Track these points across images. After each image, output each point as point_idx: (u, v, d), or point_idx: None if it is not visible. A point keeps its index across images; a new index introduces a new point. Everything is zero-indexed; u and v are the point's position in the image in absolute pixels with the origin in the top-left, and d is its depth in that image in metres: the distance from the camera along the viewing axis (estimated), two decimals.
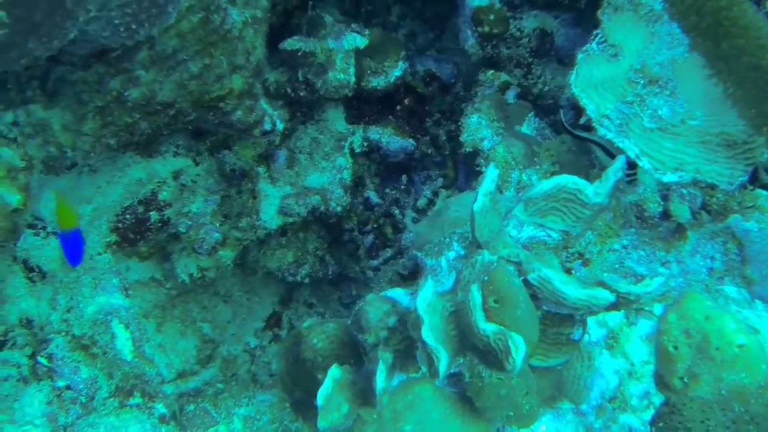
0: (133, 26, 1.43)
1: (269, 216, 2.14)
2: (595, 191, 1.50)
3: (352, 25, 2.13)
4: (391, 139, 2.28)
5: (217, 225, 2.05)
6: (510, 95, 2.15)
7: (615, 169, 1.52)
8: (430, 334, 1.37)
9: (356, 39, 2.09)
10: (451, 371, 1.48)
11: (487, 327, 1.36)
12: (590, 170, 1.95)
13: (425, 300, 1.38)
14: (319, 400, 1.47)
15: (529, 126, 2.12)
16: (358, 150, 2.27)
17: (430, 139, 2.34)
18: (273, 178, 2.16)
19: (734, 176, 1.77)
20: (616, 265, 1.87)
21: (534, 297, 1.46)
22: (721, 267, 1.87)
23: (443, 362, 1.40)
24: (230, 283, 2.37)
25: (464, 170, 2.30)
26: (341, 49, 2.07)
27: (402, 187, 2.38)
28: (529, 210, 1.53)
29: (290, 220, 2.16)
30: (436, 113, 2.36)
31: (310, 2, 2.12)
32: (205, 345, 2.28)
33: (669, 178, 1.76)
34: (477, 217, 1.44)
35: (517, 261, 1.47)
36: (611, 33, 1.84)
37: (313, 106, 2.23)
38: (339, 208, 2.22)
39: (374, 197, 2.35)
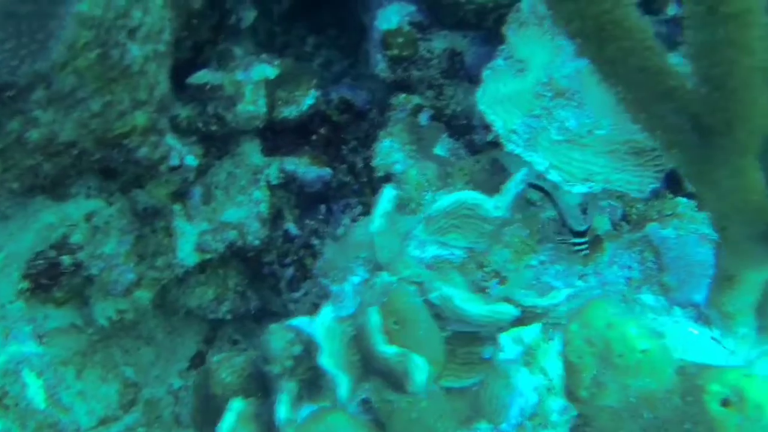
0: (13, 63, 1.40)
1: (186, 253, 2.10)
2: (495, 205, 1.48)
3: (262, 56, 2.11)
4: (307, 169, 2.26)
5: (132, 266, 2.01)
6: (423, 118, 2.13)
7: (516, 182, 1.50)
8: (329, 360, 1.34)
9: (266, 69, 2.07)
10: (361, 397, 1.44)
11: (387, 350, 1.34)
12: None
13: (323, 325, 1.35)
14: None
15: (442, 147, 2.10)
16: (274, 182, 2.24)
17: (348, 167, 2.31)
18: (189, 215, 2.12)
19: (644, 184, 1.76)
20: (533, 282, 1.85)
21: (438, 317, 1.44)
22: (639, 276, 1.85)
23: (343, 388, 1.36)
24: (153, 325, 2.32)
25: None
26: (250, 80, 2.04)
27: (320, 217, 2.35)
28: (430, 228, 1.51)
29: (208, 256, 2.12)
30: (352, 141, 2.33)
31: (221, 36, 2.10)
32: (128, 389, 2.22)
33: (579, 189, 1.75)
34: (376, 238, 1.42)
35: (419, 281, 1.44)
36: (517, 48, 1.84)
37: (228, 140, 2.20)
38: (257, 242, 2.18)
39: (293, 229, 2.31)
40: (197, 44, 2.09)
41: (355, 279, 1.60)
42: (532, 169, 1.72)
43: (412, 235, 1.50)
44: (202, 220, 2.13)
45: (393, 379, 1.38)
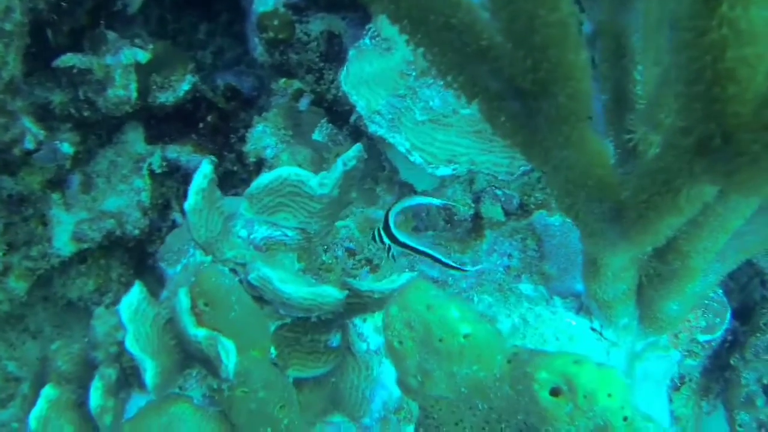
0: None
1: (62, 243, 2.04)
2: (320, 182, 1.41)
3: (135, 40, 2.05)
4: (190, 157, 2.20)
5: (0, 254, 1.95)
6: (303, 103, 2.07)
7: (346, 158, 1.43)
8: (134, 343, 1.28)
9: (136, 54, 2.01)
10: (184, 385, 1.37)
11: (197, 332, 1.27)
12: (380, 173, 1.87)
13: (130, 307, 1.29)
14: (32, 423, 1.36)
15: (320, 132, 2.03)
16: (158, 170, 2.18)
17: (236, 156, 2.25)
18: (68, 204, 2.06)
19: (514, 166, 1.69)
20: (407, 270, 1.78)
21: (262, 300, 1.37)
22: (519, 265, 1.78)
23: (150, 373, 1.29)
24: (40, 319, 2.26)
25: None
26: (119, 64, 1.99)
27: None
28: (255, 207, 1.44)
29: (85, 245, 2.06)
30: (241, 129, 2.27)
31: (101, 21, 2.05)
32: (8, 383, 2.16)
33: (442, 171, 1.68)
34: (190, 216, 1.35)
35: (243, 262, 1.37)
36: (384, 26, 1.77)
37: (111, 128, 2.14)
38: (136, 231, 2.12)
39: (180, 219, 2.26)
40: (75, 30, 2.03)
41: (185, 260, 1.53)
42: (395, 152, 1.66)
43: (239, 214, 1.44)
44: (81, 209, 2.07)
45: (210, 364, 1.31)
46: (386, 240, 1.63)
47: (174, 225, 2.25)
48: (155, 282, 2.25)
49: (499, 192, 1.83)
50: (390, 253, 1.71)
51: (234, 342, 1.25)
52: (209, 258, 1.34)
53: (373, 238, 1.70)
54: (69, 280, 2.17)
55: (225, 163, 2.25)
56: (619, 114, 1.43)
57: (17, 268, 1.99)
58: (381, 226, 1.71)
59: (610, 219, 1.28)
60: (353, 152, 1.44)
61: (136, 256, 2.27)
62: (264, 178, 1.42)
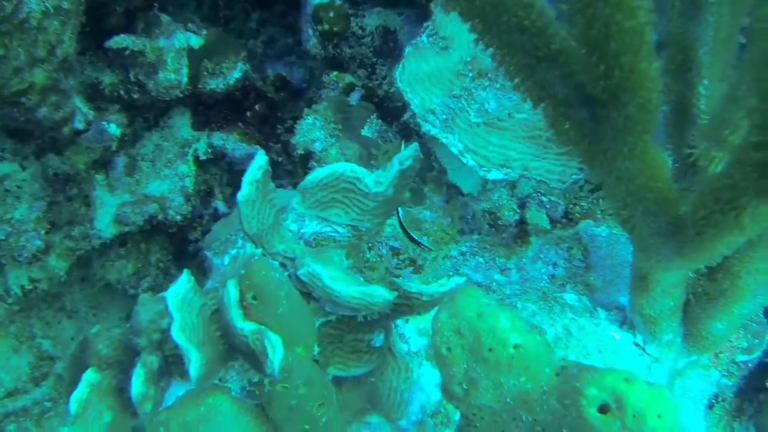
0: None
1: (104, 225, 2.04)
2: (375, 180, 1.39)
3: (189, 25, 2.04)
4: (236, 146, 2.19)
5: (42, 232, 1.95)
6: (354, 97, 2.06)
7: (403, 157, 1.41)
8: (181, 333, 1.26)
9: (189, 38, 2.00)
10: (225, 377, 1.36)
11: (245, 326, 1.25)
12: (428, 173, 1.85)
13: (177, 295, 1.27)
14: (72, 406, 1.35)
15: (370, 128, 2.02)
16: (203, 157, 2.17)
17: (282, 146, 2.24)
18: (111, 186, 2.06)
19: (566, 174, 1.67)
20: (451, 273, 1.76)
21: (311, 297, 1.35)
22: (564, 274, 1.76)
23: (195, 364, 1.28)
24: (76, 299, 2.26)
25: None
26: (172, 48, 1.98)
27: None
28: (307, 201, 1.42)
29: (126, 229, 2.06)
30: (288, 119, 2.26)
31: (155, 3, 2.04)
32: (42, 362, 2.17)
33: (494, 175, 1.66)
34: (243, 207, 1.33)
35: (292, 257, 1.36)
36: (443, 25, 1.75)
37: (159, 111, 2.14)
38: (179, 217, 2.12)
39: (222, 207, 2.25)
40: (129, 12, 2.03)
41: (234, 251, 1.52)
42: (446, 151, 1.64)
43: (290, 208, 1.42)
44: (124, 191, 2.07)
45: (254, 358, 1.29)
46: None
47: (216, 213, 2.24)
48: (195, 269, 2.25)
49: (544, 199, 1.80)
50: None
51: (281, 337, 1.24)
52: (260, 251, 1.33)
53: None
54: (108, 262, 2.17)
55: (270, 154, 2.23)
56: (680, 127, 1.40)
57: (58, 248, 1.99)
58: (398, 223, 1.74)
59: (666, 234, 1.25)
60: (409, 151, 1.42)
61: (176, 242, 2.26)
62: (319, 173, 1.40)
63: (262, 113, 2.23)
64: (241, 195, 1.33)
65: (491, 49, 1.08)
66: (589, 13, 0.97)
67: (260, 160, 1.33)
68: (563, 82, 1.11)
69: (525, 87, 1.14)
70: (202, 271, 2.20)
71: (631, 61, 0.99)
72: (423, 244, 1.75)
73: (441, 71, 1.71)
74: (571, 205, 1.81)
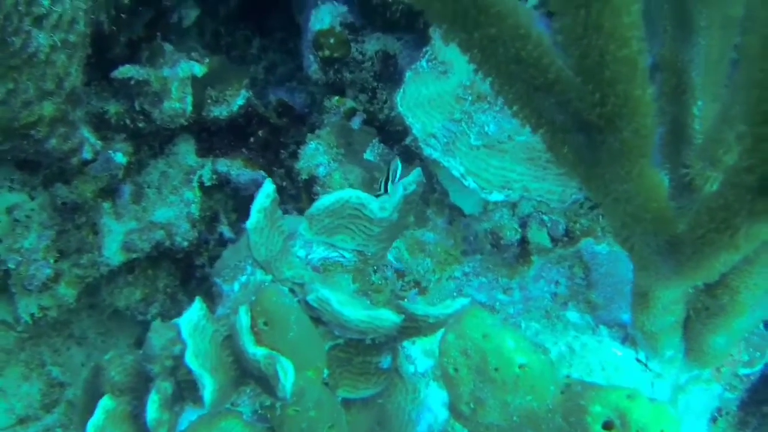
0: None
1: (112, 252, 2.06)
2: (380, 206, 1.42)
3: (192, 54, 2.08)
4: (240, 171, 2.22)
5: (51, 261, 1.97)
6: (355, 122, 2.09)
7: (407, 183, 1.44)
8: (194, 360, 1.29)
9: (193, 67, 2.03)
10: (238, 401, 1.39)
11: (257, 351, 1.28)
12: (430, 195, 1.88)
13: (190, 323, 1.30)
14: None
15: (372, 152, 2.05)
16: (208, 183, 2.20)
17: (285, 171, 2.27)
18: (118, 214, 2.09)
19: (566, 194, 1.70)
20: (455, 293, 1.79)
21: (320, 321, 1.38)
22: (566, 292, 1.79)
23: (208, 390, 1.30)
24: (85, 325, 2.29)
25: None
26: (176, 77, 2.01)
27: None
28: (314, 228, 1.45)
29: (134, 255, 2.09)
30: (291, 144, 2.29)
31: (158, 33, 2.07)
32: (52, 389, 2.19)
33: (496, 197, 1.69)
34: (252, 235, 1.36)
35: (301, 282, 1.39)
36: (441, 50, 1.79)
37: (164, 139, 2.17)
38: (185, 243, 2.14)
39: (228, 232, 2.28)
40: (132, 42, 2.06)
41: (243, 278, 1.55)
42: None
43: (298, 234, 1.45)
44: (131, 218, 2.10)
45: (265, 382, 1.32)
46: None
47: (221, 238, 2.27)
48: (203, 295, 2.27)
49: (545, 218, 1.83)
50: None
51: (292, 362, 1.26)
52: (270, 277, 1.36)
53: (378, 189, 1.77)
54: (116, 289, 2.20)
55: (274, 179, 2.26)
56: (675, 148, 1.43)
57: (67, 275, 2.02)
58: (384, 179, 1.78)
59: (665, 253, 1.28)
60: (413, 177, 1.45)
61: (182, 267, 2.29)
62: (325, 200, 1.43)
63: (265, 139, 2.26)
64: (249, 223, 1.36)
65: (490, 78, 1.11)
66: (583, 44, 0.99)
67: (268, 188, 1.36)
68: (560, 109, 1.14)
69: (523, 114, 1.17)
70: (209, 297, 2.22)
71: (625, 88, 1.02)
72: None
73: (441, 95, 1.74)
74: (572, 223, 1.84)
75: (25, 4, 1.55)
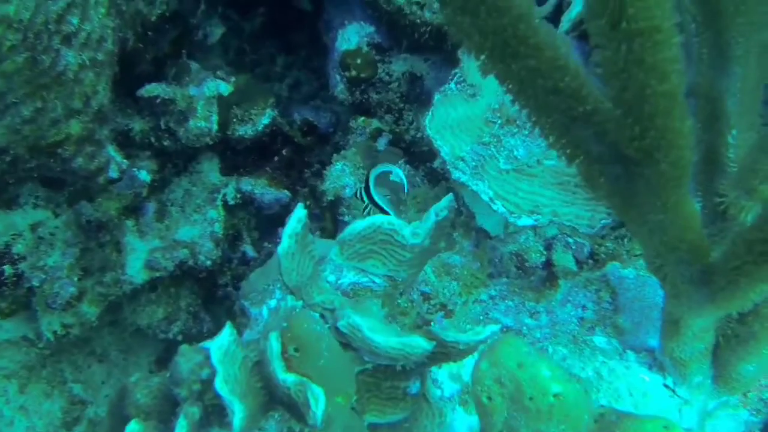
0: None
1: (135, 270, 2.05)
2: (412, 232, 1.41)
3: (218, 72, 2.07)
4: (264, 190, 2.21)
5: (75, 279, 1.97)
6: (381, 142, 2.09)
7: (438, 209, 1.43)
8: (224, 385, 1.28)
9: (219, 86, 2.03)
10: (265, 427, 1.38)
11: (287, 378, 1.27)
12: (457, 218, 1.87)
13: (221, 348, 1.29)
14: None
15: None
16: (231, 202, 2.20)
17: (309, 190, 2.27)
18: (142, 232, 2.08)
19: (595, 219, 1.68)
20: (481, 317, 1.77)
21: (350, 347, 1.37)
22: (593, 316, 1.77)
23: (238, 416, 1.29)
24: (106, 343, 2.28)
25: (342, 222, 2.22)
26: (202, 96, 2.01)
27: (279, 240, 2.29)
28: (346, 253, 1.44)
29: (157, 274, 2.08)
30: (316, 164, 2.29)
31: (184, 51, 2.07)
32: (74, 407, 2.18)
33: (524, 222, 1.68)
34: (283, 260, 1.35)
35: (331, 308, 1.38)
36: (470, 72, 1.78)
37: (188, 157, 2.17)
38: (209, 262, 2.13)
39: (250, 251, 2.27)
40: (158, 59, 2.06)
41: (272, 302, 1.54)
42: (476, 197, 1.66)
43: (328, 259, 1.44)
44: (154, 237, 2.09)
45: (295, 409, 1.31)
46: (366, 199, 1.71)
47: (244, 256, 2.26)
48: (225, 314, 2.27)
49: (570, 240, 1.82)
50: (366, 211, 1.77)
51: (322, 389, 1.26)
52: (300, 303, 1.35)
53: (356, 196, 1.77)
54: (139, 307, 2.19)
55: (298, 198, 2.26)
56: (709, 176, 1.42)
57: (90, 293, 2.01)
58: (363, 186, 1.78)
59: (698, 282, 1.27)
60: (445, 203, 1.44)
61: (205, 286, 2.28)
62: (357, 225, 1.42)
63: (289, 158, 2.26)
64: (281, 248, 1.35)
65: (526, 110, 1.11)
66: (623, 77, 0.99)
67: (299, 213, 1.36)
68: (597, 140, 1.13)
69: (560, 145, 1.16)
70: (231, 316, 2.22)
71: (664, 122, 1.01)
72: (385, 209, 1.80)
73: (470, 118, 1.73)
74: (597, 246, 1.83)
75: (55, 23, 1.55)
